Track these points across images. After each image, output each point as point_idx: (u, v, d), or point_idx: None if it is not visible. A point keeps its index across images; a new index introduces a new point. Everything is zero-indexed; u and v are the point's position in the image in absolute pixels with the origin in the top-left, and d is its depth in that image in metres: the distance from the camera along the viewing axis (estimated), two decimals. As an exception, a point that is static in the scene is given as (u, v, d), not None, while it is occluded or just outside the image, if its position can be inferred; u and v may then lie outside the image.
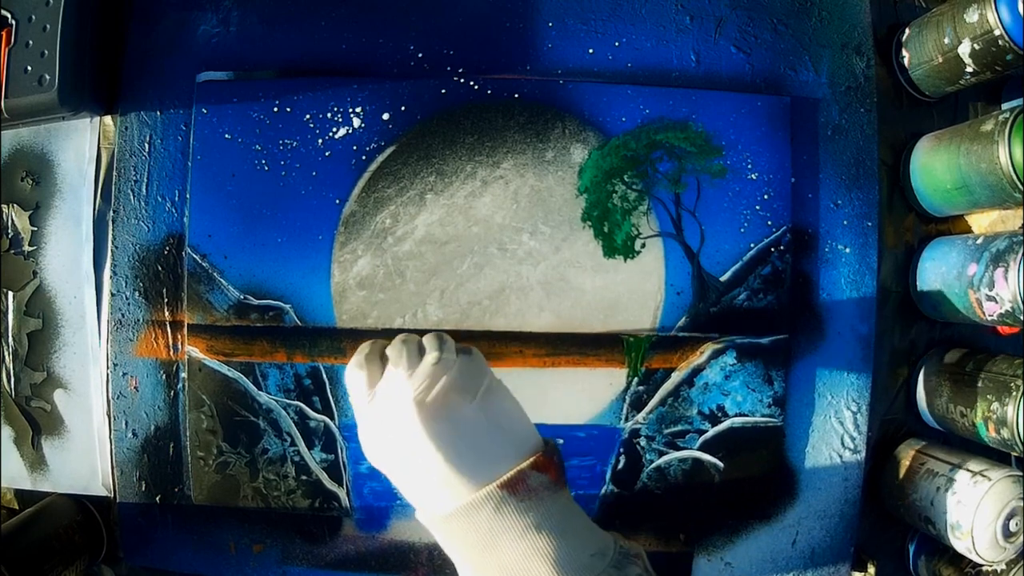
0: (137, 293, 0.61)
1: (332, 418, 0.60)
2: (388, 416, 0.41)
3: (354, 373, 0.44)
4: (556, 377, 0.60)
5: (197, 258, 0.60)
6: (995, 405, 0.55)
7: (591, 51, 0.61)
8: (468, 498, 0.38)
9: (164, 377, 0.61)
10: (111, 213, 0.61)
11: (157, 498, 0.62)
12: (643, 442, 0.60)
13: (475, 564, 0.39)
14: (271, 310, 0.60)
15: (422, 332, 0.47)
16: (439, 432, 0.39)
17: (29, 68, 0.56)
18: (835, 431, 0.62)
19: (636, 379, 0.60)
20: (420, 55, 0.61)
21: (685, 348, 0.60)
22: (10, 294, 0.63)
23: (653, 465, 0.61)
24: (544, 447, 0.41)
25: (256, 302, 0.60)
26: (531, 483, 0.39)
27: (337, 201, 0.60)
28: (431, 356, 0.42)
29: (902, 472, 0.61)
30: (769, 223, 0.60)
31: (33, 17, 0.56)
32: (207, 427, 0.60)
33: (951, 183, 0.58)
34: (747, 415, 0.60)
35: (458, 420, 0.40)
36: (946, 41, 0.57)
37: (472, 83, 0.60)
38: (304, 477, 0.61)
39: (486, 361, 0.45)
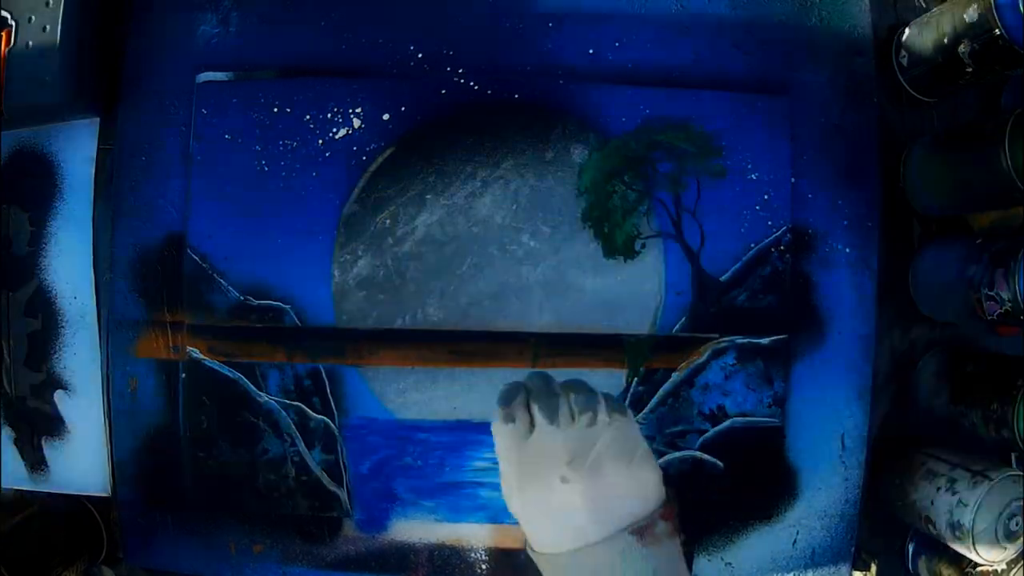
0: (137, 293, 0.61)
1: (332, 419, 0.60)
2: (539, 473, 0.43)
3: (505, 427, 0.45)
4: (556, 377, 0.59)
5: (197, 259, 0.60)
6: (995, 405, 0.55)
7: (591, 51, 0.61)
8: (599, 538, 0.40)
9: (164, 377, 0.61)
10: (111, 213, 0.61)
11: (157, 499, 0.62)
12: (643, 442, 0.60)
13: None
14: (271, 311, 0.60)
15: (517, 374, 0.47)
16: (588, 493, 0.41)
17: (29, 68, 0.56)
18: (835, 431, 0.62)
19: (636, 379, 0.60)
20: (420, 55, 0.61)
21: (685, 348, 0.60)
22: (10, 294, 0.63)
23: (653, 465, 0.60)
24: (667, 496, 0.43)
25: (256, 303, 0.60)
26: (656, 531, 0.41)
27: (337, 202, 0.60)
28: (585, 419, 0.44)
29: (902, 472, 0.61)
30: (769, 223, 0.60)
31: (33, 17, 0.56)
32: (207, 427, 0.60)
33: (951, 183, 0.58)
34: (747, 415, 0.60)
35: (606, 482, 0.42)
36: (946, 41, 0.57)
37: (472, 83, 0.60)
38: (304, 478, 0.61)
39: (635, 423, 0.47)
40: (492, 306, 0.60)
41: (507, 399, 0.46)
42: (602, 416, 0.44)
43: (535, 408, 0.46)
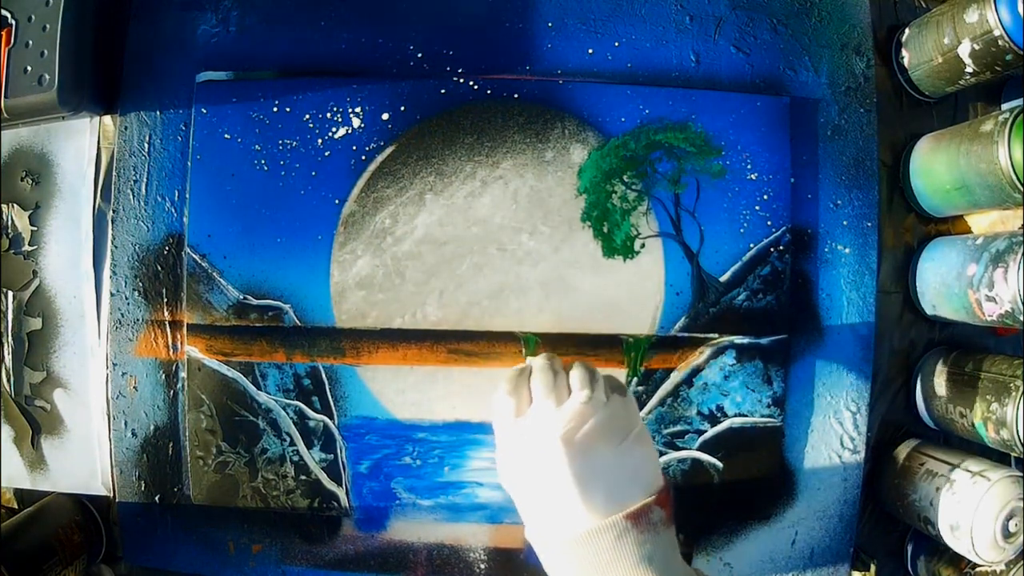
0: (137, 293, 0.61)
1: (331, 418, 0.60)
2: (532, 445, 0.43)
3: (504, 400, 0.45)
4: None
5: (197, 258, 0.60)
6: (995, 406, 0.55)
7: (591, 51, 0.61)
8: (595, 524, 0.39)
9: (163, 377, 0.61)
10: (111, 213, 0.61)
11: (156, 498, 0.62)
12: (642, 442, 0.60)
13: None
14: (270, 310, 0.60)
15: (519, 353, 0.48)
16: (579, 470, 0.41)
17: (29, 68, 0.56)
18: (834, 431, 0.62)
19: (635, 379, 0.60)
20: (420, 55, 0.61)
21: (684, 348, 0.60)
22: (10, 294, 0.63)
23: (652, 465, 0.60)
24: (664, 484, 0.43)
25: (256, 302, 0.60)
26: (652, 517, 0.40)
27: (337, 201, 0.60)
28: (582, 395, 0.44)
29: (902, 472, 0.61)
30: (769, 223, 0.60)
31: (33, 17, 0.56)
32: (206, 427, 0.60)
33: (951, 183, 0.58)
34: (746, 415, 0.60)
35: (598, 461, 0.42)
36: (946, 41, 0.57)
37: (472, 83, 0.60)
38: (303, 477, 0.61)
39: (636, 405, 0.46)
40: (491, 306, 0.60)
41: (513, 376, 0.47)
42: (599, 395, 0.44)
43: (533, 383, 0.46)
